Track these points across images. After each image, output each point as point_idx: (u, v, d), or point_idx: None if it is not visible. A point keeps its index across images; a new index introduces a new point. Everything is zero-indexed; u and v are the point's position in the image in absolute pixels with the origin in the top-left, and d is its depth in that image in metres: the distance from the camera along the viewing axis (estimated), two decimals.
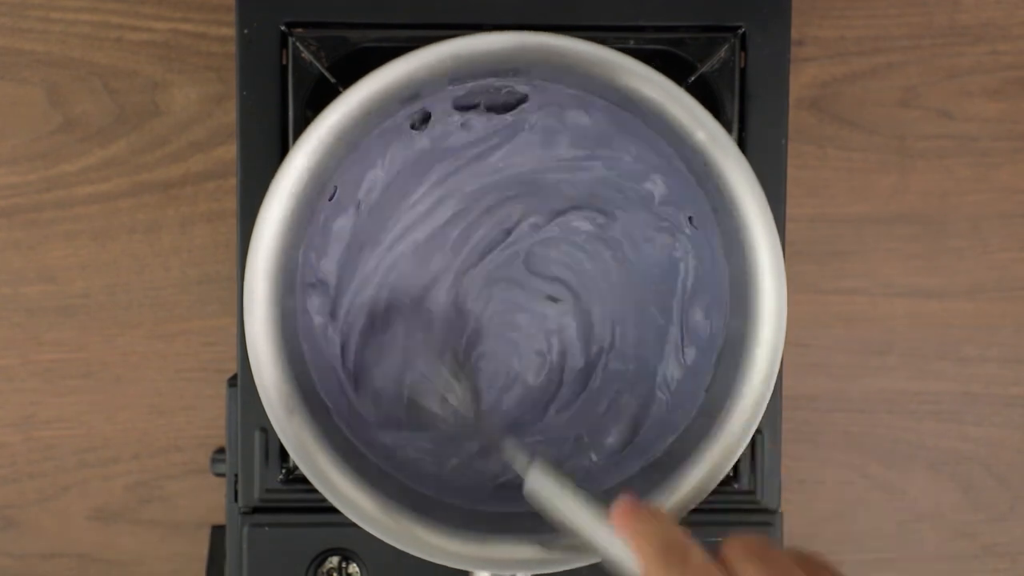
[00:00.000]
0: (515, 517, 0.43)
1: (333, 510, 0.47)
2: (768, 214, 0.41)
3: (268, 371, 0.42)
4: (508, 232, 0.48)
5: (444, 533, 0.42)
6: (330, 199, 0.44)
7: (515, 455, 0.41)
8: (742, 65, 0.46)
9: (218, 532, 0.57)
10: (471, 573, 0.44)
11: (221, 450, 0.50)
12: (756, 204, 0.41)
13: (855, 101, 0.57)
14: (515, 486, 0.41)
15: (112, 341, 0.58)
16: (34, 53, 0.57)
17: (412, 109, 0.44)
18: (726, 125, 0.44)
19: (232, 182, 0.57)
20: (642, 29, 0.46)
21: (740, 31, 0.46)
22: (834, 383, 0.59)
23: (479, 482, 0.46)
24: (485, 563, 0.42)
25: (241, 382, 0.47)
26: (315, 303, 0.45)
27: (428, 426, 0.46)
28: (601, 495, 0.39)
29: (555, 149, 0.46)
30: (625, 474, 0.45)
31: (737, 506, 0.48)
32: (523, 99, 0.45)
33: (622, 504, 0.36)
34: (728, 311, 0.44)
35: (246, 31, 0.46)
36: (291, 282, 0.43)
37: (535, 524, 0.41)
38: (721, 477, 0.42)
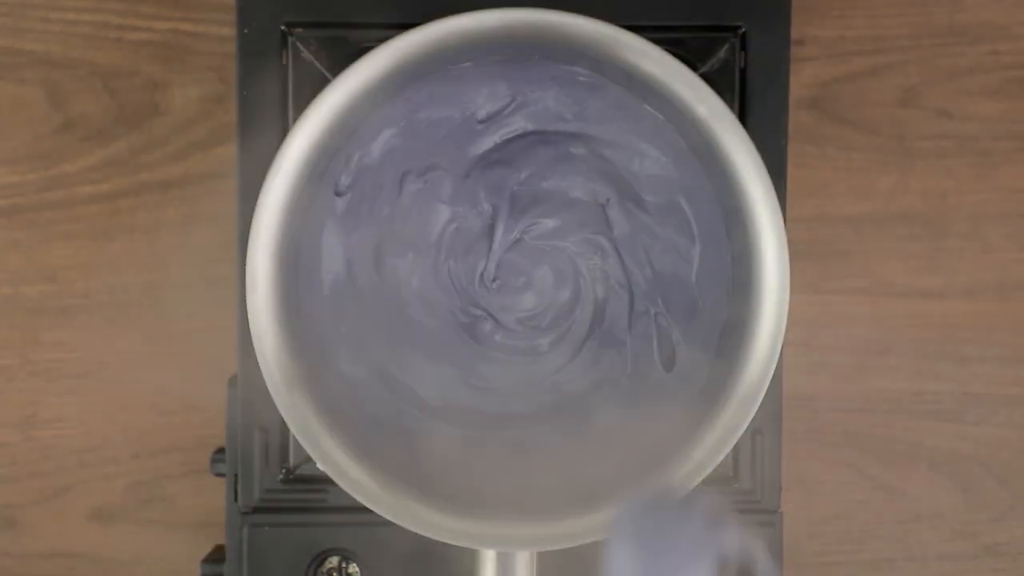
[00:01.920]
0: (522, 493, 0.43)
1: (333, 510, 0.47)
2: (769, 184, 0.41)
3: (269, 343, 0.42)
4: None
5: (447, 511, 0.42)
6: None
7: None
8: (742, 65, 0.46)
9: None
10: (476, 553, 0.43)
11: (221, 450, 0.50)
12: (757, 175, 0.41)
13: (855, 101, 0.57)
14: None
15: (112, 341, 0.58)
16: (34, 53, 0.57)
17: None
18: None
19: (232, 182, 0.57)
20: (642, 28, 0.46)
21: (740, 31, 0.46)
22: (834, 383, 0.59)
23: (485, 458, 0.46)
24: (490, 541, 0.42)
25: (241, 382, 0.47)
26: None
27: None
28: None
29: None
30: None
31: (737, 506, 0.48)
32: None
33: None
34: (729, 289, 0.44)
35: (246, 31, 0.46)
36: (294, 253, 0.43)
37: (542, 502, 0.41)
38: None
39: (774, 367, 0.42)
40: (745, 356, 0.43)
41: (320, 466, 0.42)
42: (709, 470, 0.42)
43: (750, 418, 0.42)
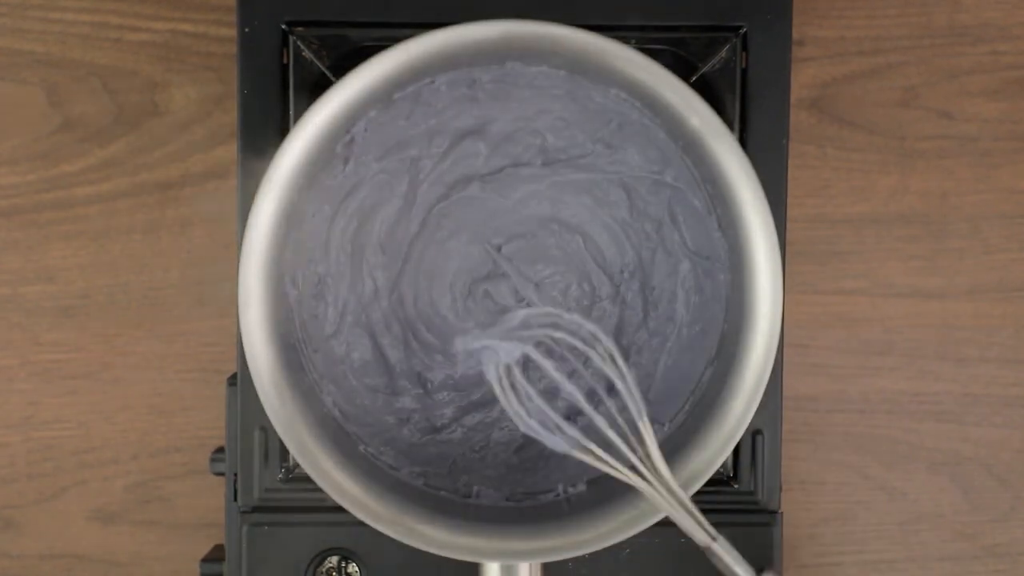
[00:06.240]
0: (507, 511, 0.43)
1: (332, 510, 0.47)
2: (761, 193, 0.41)
3: (262, 355, 0.42)
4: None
5: (441, 525, 0.42)
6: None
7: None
8: (743, 65, 0.46)
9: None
10: (479, 567, 0.43)
11: (220, 450, 0.50)
12: (749, 184, 0.41)
13: (855, 101, 0.57)
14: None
15: (111, 342, 0.58)
16: (34, 53, 0.56)
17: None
18: (727, 125, 0.44)
19: (232, 182, 0.57)
20: (643, 29, 0.46)
21: (741, 31, 0.46)
22: (834, 383, 0.59)
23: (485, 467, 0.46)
24: (491, 554, 0.42)
25: (240, 382, 0.47)
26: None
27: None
28: None
29: None
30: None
31: (737, 507, 0.48)
32: None
33: None
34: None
35: (247, 30, 0.46)
36: (286, 266, 0.43)
37: (532, 516, 0.41)
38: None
39: (770, 369, 0.42)
40: (742, 358, 0.43)
41: (312, 476, 0.42)
42: (708, 475, 0.42)
43: (747, 422, 0.42)
